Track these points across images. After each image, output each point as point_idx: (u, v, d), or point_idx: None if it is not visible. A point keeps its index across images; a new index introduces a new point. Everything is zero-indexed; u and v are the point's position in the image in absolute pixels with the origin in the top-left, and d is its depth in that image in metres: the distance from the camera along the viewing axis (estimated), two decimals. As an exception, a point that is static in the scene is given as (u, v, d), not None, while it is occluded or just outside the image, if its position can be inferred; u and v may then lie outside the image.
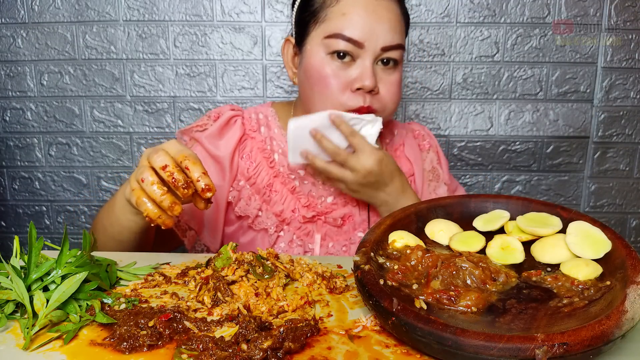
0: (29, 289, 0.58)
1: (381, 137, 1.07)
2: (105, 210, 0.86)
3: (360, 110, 0.91)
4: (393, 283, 0.57)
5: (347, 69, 0.90)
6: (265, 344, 0.49)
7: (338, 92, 0.90)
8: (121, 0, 1.34)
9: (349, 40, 0.88)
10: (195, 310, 0.59)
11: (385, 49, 0.90)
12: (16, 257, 0.63)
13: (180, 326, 0.54)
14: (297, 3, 0.97)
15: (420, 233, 0.69)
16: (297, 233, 0.99)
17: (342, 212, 1.00)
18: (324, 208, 1.00)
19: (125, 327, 0.53)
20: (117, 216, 0.81)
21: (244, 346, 0.50)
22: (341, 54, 0.89)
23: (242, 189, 0.99)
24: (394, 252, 0.64)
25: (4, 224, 1.50)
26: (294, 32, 0.99)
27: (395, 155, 1.06)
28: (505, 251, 0.63)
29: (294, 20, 0.98)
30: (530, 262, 0.62)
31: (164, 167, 0.67)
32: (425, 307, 0.53)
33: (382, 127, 0.92)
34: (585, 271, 0.57)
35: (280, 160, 1.01)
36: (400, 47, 0.92)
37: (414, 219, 0.71)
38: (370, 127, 0.92)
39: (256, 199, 0.98)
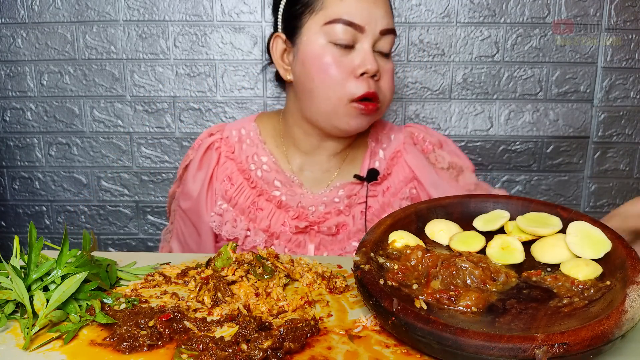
0: (29, 289, 0.58)
1: (377, 141, 1.06)
2: None
3: (367, 96, 0.90)
4: (393, 283, 0.57)
5: (348, 55, 0.89)
6: (265, 344, 0.49)
7: (342, 80, 0.89)
8: (121, 0, 1.34)
9: (349, 24, 0.88)
10: (195, 310, 0.59)
11: (383, 33, 0.91)
12: (16, 257, 0.63)
13: (180, 326, 0.54)
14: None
15: (420, 233, 0.69)
16: (288, 245, 0.97)
17: (336, 220, 0.98)
18: (317, 217, 0.98)
19: (125, 327, 0.53)
20: None
21: (244, 346, 0.50)
22: (342, 41, 0.89)
23: (225, 212, 0.98)
24: (394, 252, 0.64)
25: (4, 224, 1.50)
26: (280, 28, 0.98)
27: (392, 163, 1.04)
28: (505, 251, 0.63)
29: (281, 16, 0.98)
30: (530, 262, 0.62)
31: None
32: (425, 307, 0.53)
33: None
34: (585, 271, 0.57)
35: (264, 176, 0.99)
36: (394, 32, 0.94)
37: (414, 219, 0.71)
38: None
39: (242, 219, 0.97)
